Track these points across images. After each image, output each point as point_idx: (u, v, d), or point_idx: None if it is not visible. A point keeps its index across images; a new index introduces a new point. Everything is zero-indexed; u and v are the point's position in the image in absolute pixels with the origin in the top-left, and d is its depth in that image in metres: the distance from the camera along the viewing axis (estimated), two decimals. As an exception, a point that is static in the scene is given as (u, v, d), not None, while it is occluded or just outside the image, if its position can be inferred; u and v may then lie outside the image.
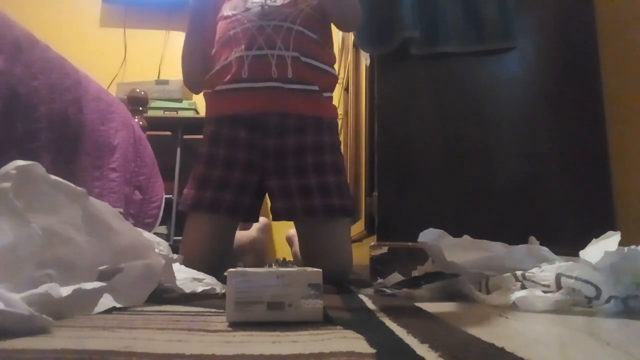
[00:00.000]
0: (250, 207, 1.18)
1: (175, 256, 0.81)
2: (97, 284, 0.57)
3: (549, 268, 0.67)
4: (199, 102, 2.52)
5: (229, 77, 1.15)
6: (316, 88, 1.17)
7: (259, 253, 1.82)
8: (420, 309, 0.62)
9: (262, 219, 1.87)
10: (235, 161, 1.15)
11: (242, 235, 1.66)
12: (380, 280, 0.87)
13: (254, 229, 1.84)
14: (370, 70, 1.35)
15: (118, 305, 0.59)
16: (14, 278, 0.48)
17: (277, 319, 0.48)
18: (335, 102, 1.27)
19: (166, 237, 2.29)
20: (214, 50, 1.22)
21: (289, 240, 2.06)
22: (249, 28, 1.15)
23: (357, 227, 1.47)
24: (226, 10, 1.22)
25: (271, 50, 1.13)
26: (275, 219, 1.19)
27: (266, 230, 1.94)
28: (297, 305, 0.48)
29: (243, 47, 1.14)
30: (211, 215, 1.12)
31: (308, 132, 1.17)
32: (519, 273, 0.70)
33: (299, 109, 1.16)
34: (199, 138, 1.27)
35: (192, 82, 1.29)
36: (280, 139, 1.17)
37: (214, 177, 1.14)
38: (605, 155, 1.22)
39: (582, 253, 0.70)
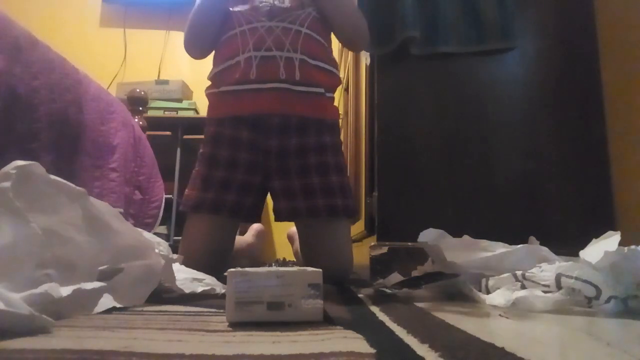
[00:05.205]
0: (252, 208, 1.18)
1: (175, 256, 0.81)
2: (97, 284, 0.57)
3: (549, 268, 0.68)
4: (199, 102, 2.53)
5: (236, 77, 1.13)
6: (321, 90, 1.17)
7: (254, 259, 1.82)
8: (420, 309, 0.62)
9: (257, 225, 1.86)
10: (238, 162, 1.15)
11: (238, 240, 1.66)
12: (380, 280, 0.87)
13: (249, 235, 1.84)
14: (370, 70, 1.35)
15: (118, 305, 0.58)
16: (14, 278, 0.48)
17: (277, 319, 0.48)
18: (335, 102, 1.27)
19: (166, 237, 2.29)
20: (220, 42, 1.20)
21: (290, 239, 2.06)
22: (257, 28, 1.14)
23: (357, 227, 1.46)
24: (233, 6, 1.20)
25: (280, 52, 1.12)
26: (278, 219, 1.19)
27: (261, 236, 1.94)
28: (297, 305, 0.48)
29: (251, 47, 1.13)
30: (213, 216, 1.12)
31: (310, 133, 1.17)
32: (519, 273, 0.70)
33: (303, 110, 1.16)
34: (199, 138, 1.27)
35: (199, 42, 1.24)
36: (282, 139, 1.16)
37: (217, 178, 1.14)
38: (605, 155, 1.22)
39: (582, 253, 0.70)
